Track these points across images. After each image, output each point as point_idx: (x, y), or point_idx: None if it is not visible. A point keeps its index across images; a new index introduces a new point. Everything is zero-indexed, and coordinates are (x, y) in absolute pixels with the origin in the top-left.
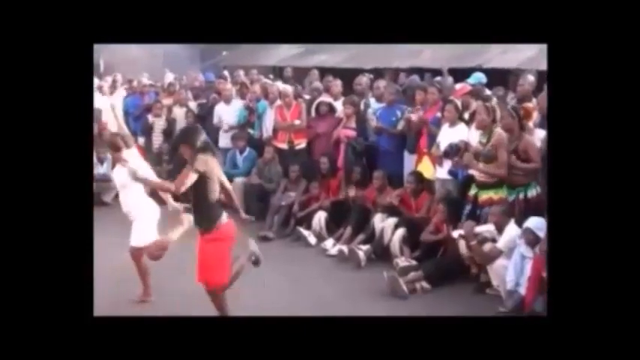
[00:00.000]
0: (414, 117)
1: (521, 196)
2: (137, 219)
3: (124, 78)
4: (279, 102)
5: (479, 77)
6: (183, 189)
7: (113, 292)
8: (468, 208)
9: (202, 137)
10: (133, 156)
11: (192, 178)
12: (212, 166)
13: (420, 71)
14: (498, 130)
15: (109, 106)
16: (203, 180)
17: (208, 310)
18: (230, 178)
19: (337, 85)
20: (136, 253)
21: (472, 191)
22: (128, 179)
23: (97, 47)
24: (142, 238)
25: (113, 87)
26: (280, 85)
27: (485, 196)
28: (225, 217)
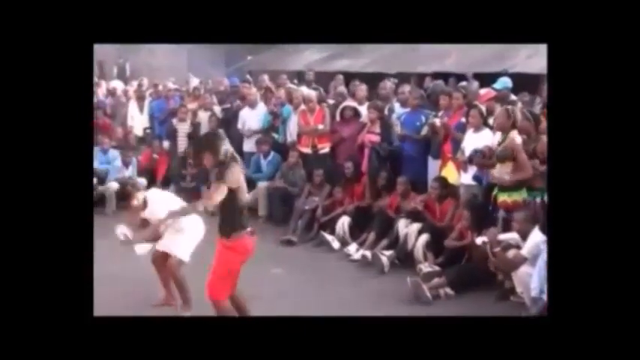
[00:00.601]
0: (437, 122)
1: (538, 199)
2: (183, 232)
3: (149, 82)
4: (303, 107)
5: (505, 82)
6: (213, 204)
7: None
8: (489, 210)
9: (226, 145)
10: (155, 195)
11: (222, 192)
12: (238, 176)
13: (445, 76)
14: (513, 133)
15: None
16: (231, 190)
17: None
18: (254, 183)
19: (362, 89)
20: (161, 260)
21: (493, 193)
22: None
23: (123, 52)
24: (184, 250)
25: (139, 91)
26: (304, 89)
27: (501, 198)
28: (249, 231)
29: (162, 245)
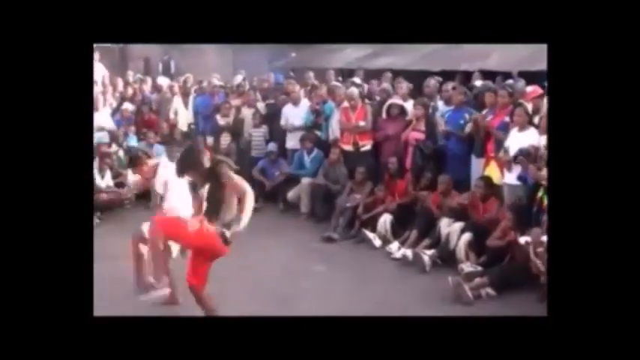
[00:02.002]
0: (481, 120)
1: None
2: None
3: (194, 79)
4: (345, 104)
5: None
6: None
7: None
8: (534, 212)
9: (206, 156)
10: (167, 166)
11: (243, 182)
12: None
13: (491, 74)
14: None
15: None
16: (219, 185)
17: (170, 311)
18: (297, 179)
19: (402, 87)
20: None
21: (539, 194)
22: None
23: (168, 49)
24: (171, 206)
25: (184, 87)
26: (347, 87)
27: (546, 201)
28: (231, 230)
29: None
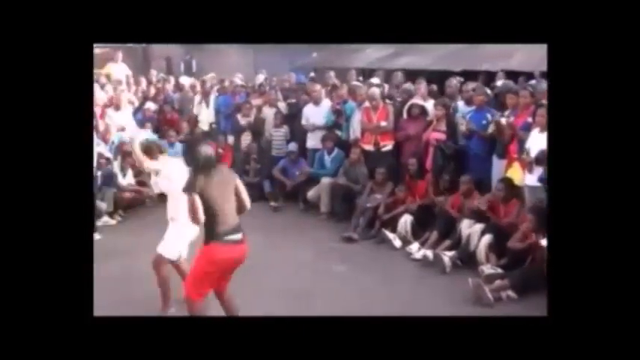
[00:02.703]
0: (503, 121)
1: None
2: (172, 229)
3: (215, 78)
4: (366, 104)
5: None
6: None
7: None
8: None
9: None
10: (174, 166)
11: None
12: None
13: (513, 74)
14: None
15: (129, 140)
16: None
17: (212, 310)
18: (318, 178)
19: (422, 87)
20: (158, 262)
21: None
22: (169, 185)
23: (190, 49)
24: (169, 249)
25: (204, 87)
26: (368, 87)
27: None
28: (216, 242)
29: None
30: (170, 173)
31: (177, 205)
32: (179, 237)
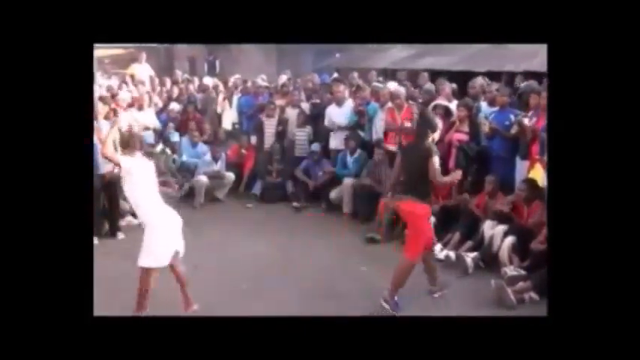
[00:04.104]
0: (526, 122)
1: None
2: (147, 235)
3: (239, 79)
4: (390, 104)
5: None
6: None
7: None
8: None
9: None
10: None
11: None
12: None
13: (537, 75)
14: None
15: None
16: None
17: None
18: (340, 179)
19: (446, 87)
20: (144, 275)
21: None
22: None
23: (213, 49)
24: (150, 258)
25: (227, 87)
26: (392, 87)
27: None
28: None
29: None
30: (138, 176)
31: (146, 209)
32: (158, 240)
